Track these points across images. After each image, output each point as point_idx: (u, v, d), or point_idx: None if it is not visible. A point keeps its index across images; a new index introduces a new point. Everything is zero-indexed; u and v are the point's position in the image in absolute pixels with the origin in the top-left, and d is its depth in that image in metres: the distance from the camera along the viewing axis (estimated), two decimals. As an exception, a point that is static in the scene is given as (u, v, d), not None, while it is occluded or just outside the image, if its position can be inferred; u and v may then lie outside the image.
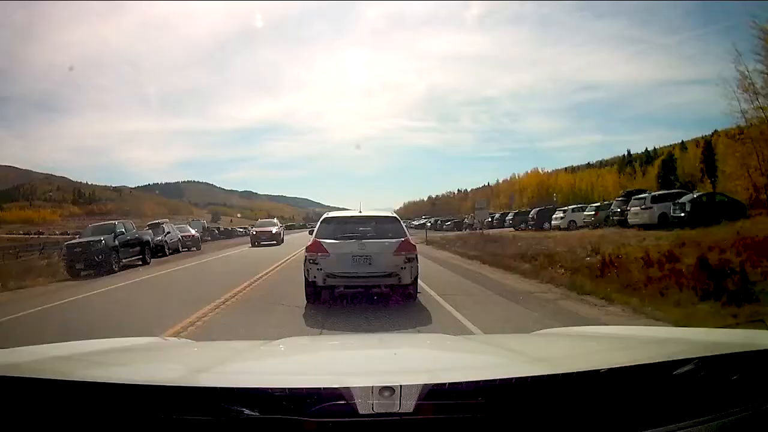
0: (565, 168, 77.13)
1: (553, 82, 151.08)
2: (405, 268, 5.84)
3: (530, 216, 28.69)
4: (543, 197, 60.11)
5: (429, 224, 48.54)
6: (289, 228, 78.69)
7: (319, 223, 6.49)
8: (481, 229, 23.86)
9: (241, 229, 57.01)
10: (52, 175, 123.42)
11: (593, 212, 23.47)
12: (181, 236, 20.53)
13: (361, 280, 5.92)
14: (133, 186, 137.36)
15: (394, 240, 5.96)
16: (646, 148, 61.71)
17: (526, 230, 26.27)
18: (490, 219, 33.59)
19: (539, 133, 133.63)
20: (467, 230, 31.72)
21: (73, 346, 1.46)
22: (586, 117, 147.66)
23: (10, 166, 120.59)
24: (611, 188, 56.68)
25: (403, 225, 6.50)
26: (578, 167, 75.52)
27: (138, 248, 14.49)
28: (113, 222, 14.56)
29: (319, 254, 5.93)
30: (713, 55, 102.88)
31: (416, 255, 6.10)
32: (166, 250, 17.89)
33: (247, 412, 0.85)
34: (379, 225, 6.30)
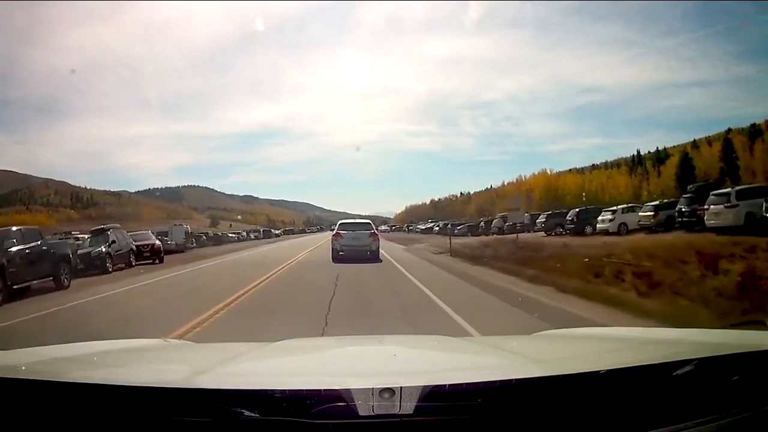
0: (569, 170, 76.81)
1: (553, 85, 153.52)
2: (373, 243, 14.22)
3: (568, 218, 24.77)
4: (551, 199, 59.86)
5: (437, 228, 45.98)
6: (287, 233, 76.09)
7: (337, 225, 15.24)
8: (503, 233, 22.31)
9: (234, 234, 52.66)
10: (51, 179, 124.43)
11: (651, 212, 20.01)
12: (137, 246, 17.54)
13: (355, 248, 13.88)
14: (133, 191, 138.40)
15: (368, 231, 14.51)
16: (657, 148, 61.58)
17: (562, 235, 23.07)
18: (511, 222, 30.64)
19: (540, 136, 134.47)
20: (491, 234, 29.28)
21: (74, 348, 1.49)
22: (587, 120, 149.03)
23: (10, 171, 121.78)
24: (623, 189, 56.40)
25: (373, 225, 15.46)
26: (582, 169, 75.13)
27: (49, 266, 10.50)
28: (7, 228, 10.50)
29: (339, 238, 14.27)
30: (713, 57, 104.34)
31: (378, 237, 14.90)
32: (109, 265, 14.50)
33: (247, 413, 0.86)
34: (363, 225, 15.17)
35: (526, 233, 25.11)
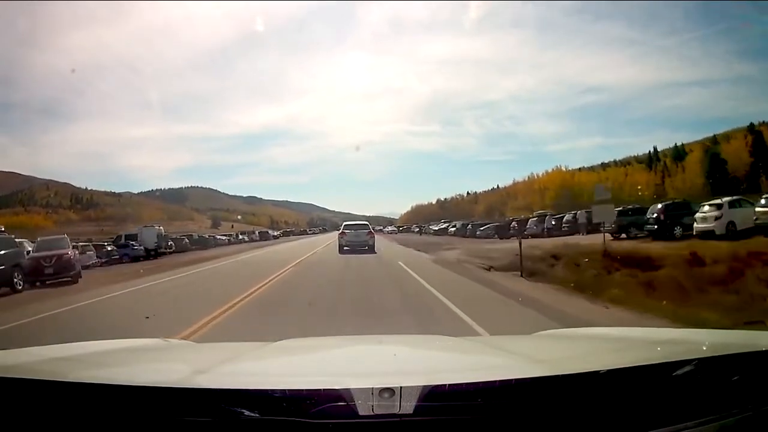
0: (579, 169, 76.23)
1: (555, 84, 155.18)
2: (370, 240, 20.21)
3: (651, 216, 18.33)
4: (568, 197, 59.32)
5: (453, 229, 41.46)
6: (286, 234, 71.52)
7: (343, 226, 22.09)
8: (548, 235, 18.52)
9: (224, 237, 47.19)
10: (55, 181, 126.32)
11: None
12: (36, 258, 13.52)
13: (355, 243, 19.62)
14: (137, 192, 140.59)
15: (366, 231, 20.88)
16: (675, 144, 61.32)
17: (640, 238, 17.95)
18: (554, 223, 25.80)
19: (542, 136, 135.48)
20: (527, 237, 24.39)
21: (74, 348, 1.53)
22: (589, 119, 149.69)
23: (13, 173, 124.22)
24: (643, 186, 55.96)
25: (369, 225, 22.33)
26: (593, 167, 74.44)
27: None
28: None
29: (344, 235, 20.36)
30: (714, 56, 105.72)
31: (374, 235, 21.42)
32: None
33: (246, 413, 0.89)
34: (362, 226, 21.64)
35: (576, 235, 20.12)
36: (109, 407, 0.93)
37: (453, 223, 45.55)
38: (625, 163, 68.03)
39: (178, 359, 1.57)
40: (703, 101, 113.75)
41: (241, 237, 51.81)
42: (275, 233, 67.71)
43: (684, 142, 60.15)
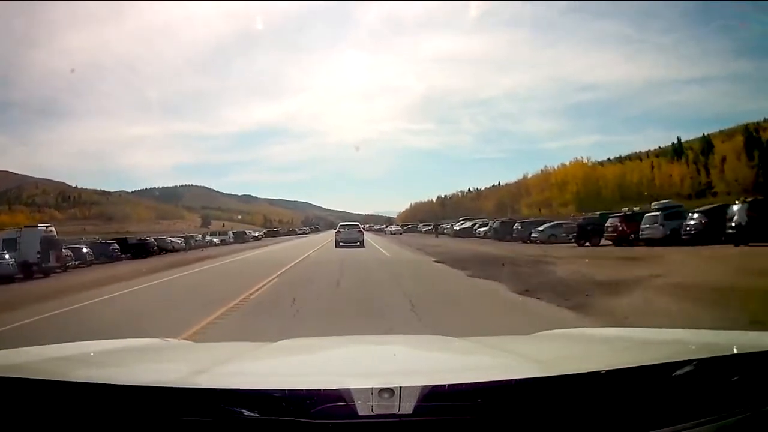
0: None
1: (552, 82, 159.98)
2: (360, 236, 28.31)
3: None
4: (590, 193, 58.77)
5: (483, 229, 33.31)
6: (271, 235, 65.70)
7: (338, 226, 31.85)
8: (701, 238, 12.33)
9: (178, 240, 38.36)
10: (50, 180, 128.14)
11: None
12: None
13: (348, 240, 27.32)
14: (131, 190, 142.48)
15: (357, 229, 29.31)
16: (703, 134, 61.44)
17: None
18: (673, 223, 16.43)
19: (538, 133, 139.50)
20: (640, 241, 17.67)
21: (74, 347, 1.58)
22: (585, 117, 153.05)
23: (7, 171, 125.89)
24: (677, 179, 55.53)
25: (360, 225, 31.65)
26: (602, 164, 74.09)
27: None
28: None
29: (339, 234, 28.99)
30: (711, 54, 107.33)
31: (363, 233, 30.21)
32: None
33: (246, 413, 0.93)
34: (354, 226, 30.27)
35: (729, 246, 13.50)
36: (108, 407, 0.96)
37: (483, 222, 36.56)
38: (635, 158, 67.77)
39: (178, 359, 1.63)
40: (702, 99, 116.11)
41: (200, 240, 43.03)
42: (256, 234, 61.03)
43: (684, 139, 61.20)
